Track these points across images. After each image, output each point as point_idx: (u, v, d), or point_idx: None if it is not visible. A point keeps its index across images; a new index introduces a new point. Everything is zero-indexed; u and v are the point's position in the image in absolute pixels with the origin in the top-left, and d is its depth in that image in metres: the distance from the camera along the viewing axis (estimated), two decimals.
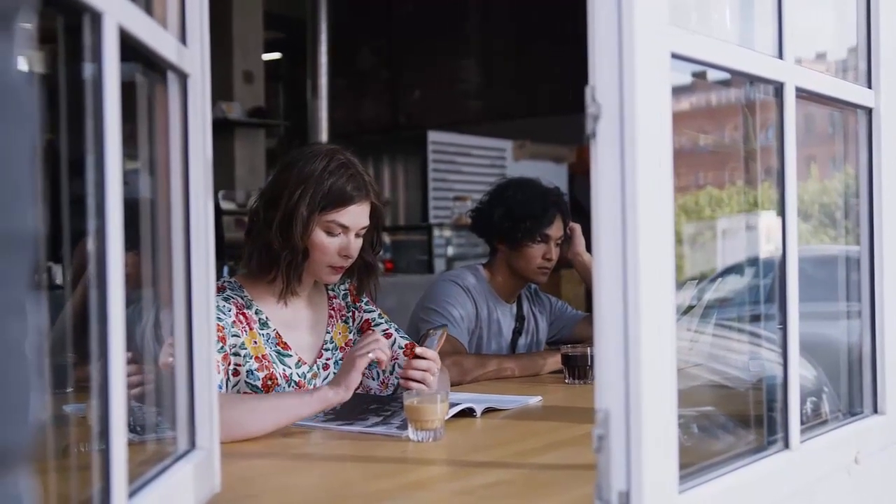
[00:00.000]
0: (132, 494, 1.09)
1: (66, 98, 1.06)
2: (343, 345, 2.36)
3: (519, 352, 3.11)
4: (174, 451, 1.35)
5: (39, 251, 0.60)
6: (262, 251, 2.21)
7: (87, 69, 1.02)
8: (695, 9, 1.62)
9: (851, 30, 1.88)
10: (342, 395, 1.97)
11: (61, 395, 1.44)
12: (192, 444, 1.37)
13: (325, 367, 2.32)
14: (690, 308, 2.23)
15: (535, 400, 2.36)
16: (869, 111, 1.82)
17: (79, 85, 1.03)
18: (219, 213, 5.82)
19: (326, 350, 2.33)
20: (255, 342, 2.19)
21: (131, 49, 1.11)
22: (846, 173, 2.00)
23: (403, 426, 1.91)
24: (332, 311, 2.38)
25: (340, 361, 2.31)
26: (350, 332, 2.39)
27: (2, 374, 0.55)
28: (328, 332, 2.35)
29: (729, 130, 2.09)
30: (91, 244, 1.01)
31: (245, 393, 2.16)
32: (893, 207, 1.84)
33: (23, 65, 0.59)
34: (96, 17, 1.00)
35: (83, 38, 1.01)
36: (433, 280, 3.23)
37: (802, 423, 1.55)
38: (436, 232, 7.57)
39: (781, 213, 1.53)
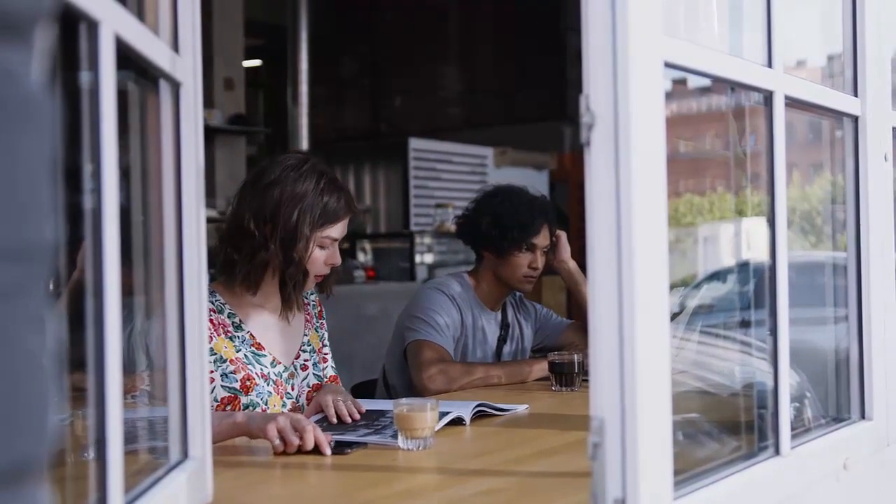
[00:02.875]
0: None
1: (60, 106, 1.05)
2: (318, 349, 2.44)
3: (504, 359, 3.10)
4: (167, 462, 1.34)
5: (53, 263, 0.60)
6: (259, 268, 2.24)
7: (83, 77, 1.01)
8: (683, 17, 1.62)
9: (835, 37, 1.89)
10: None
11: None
12: (185, 454, 1.37)
13: (304, 367, 2.38)
14: (675, 315, 2.24)
15: (522, 408, 2.36)
16: (855, 119, 1.83)
17: (74, 92, 1.02)
18: None
19: (304, 351, 2.40)
20: (227, 346, 2.22)
21: (125, 57, 1.11)
22: (827, 180, 2.02)
23: (396, 436, 1.91)
24: (308, 316, 2.45)
25: (317, 364, 2.41)
26: (320, 341, 2.47)
27: (21, 386, 0.55)
28: (305, 335, 2.41)
29: (710, 137, 2.11)
30: (88, 252, 1.00)
31: (223, 398, 2.19)
32: (879, 214, 1.85)
33: (41, 75, 0.59)
34: (93, 26, 0.99)
35: (78, 46, 1.01)
36: (416, 288, 3.23)
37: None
38: (417, 239, 7.54)
39: (771, 220, 1.54)
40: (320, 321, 2.49)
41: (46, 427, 0.57)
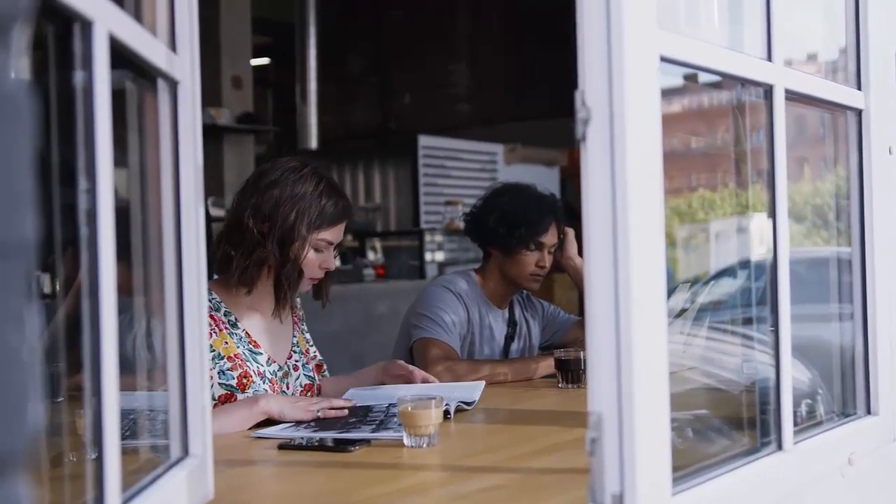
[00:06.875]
0: (126, 502, 1.09)
1: (55, 105, 1.06)
2: (305, 350, 2.49)
3: (512, 357, 3.10)
4: (167, 459, 1.34)
5: (35, 260, 0.60)
6: (256, 266, 2.28)
7: (78, 76, 1.02)
8: (683, 11, 1.62)
9: (839, 31, 1.88)
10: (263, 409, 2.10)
11: (53, 405, 1.43)
12: (186, 452, 1.37)
13: (295, 367, 2.43)
14: (683, 311, 2.23)
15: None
16: (859, 112, 1.82)
17: (69, 92, 1.03)
18: (208, 219, 5.81)
19: (295, 352, 2.45)
20: (227, 343, 2.27)
21: (121, 56, 1.11)
22: (837, 175, 2.01)
23: (398, 431, 1.91)
24: (296, 319, 2.51)
25: (306, 365, 2.46)
26: (306, 343, 2.52)
27: (1, 381, 0.55)
28: (294, 337, 2.47)
29: (721, 132, 2.10)
30: (83, 252, 1.00)
31: (220, 395, 2.23)
32: (884, 208, 1.84)
33: (20, 73, 0.60)
34: (87, 25, 1.00)
35: (73, 45, 1.01)
36: (425, 286, 3.22)
37: (796, 425, 1.56)
38: (427, 237, 7.54)
39: (772, 214, 1.54)
40: (303, 325, 2.55)
41: (27, 422, 0.58)
